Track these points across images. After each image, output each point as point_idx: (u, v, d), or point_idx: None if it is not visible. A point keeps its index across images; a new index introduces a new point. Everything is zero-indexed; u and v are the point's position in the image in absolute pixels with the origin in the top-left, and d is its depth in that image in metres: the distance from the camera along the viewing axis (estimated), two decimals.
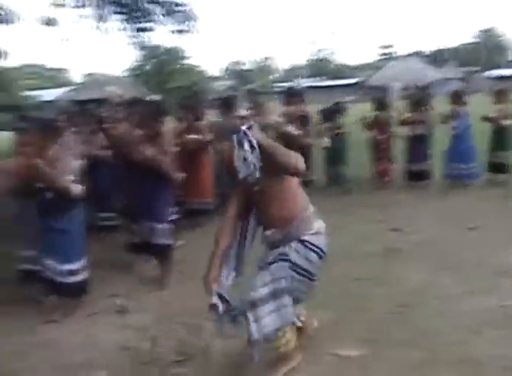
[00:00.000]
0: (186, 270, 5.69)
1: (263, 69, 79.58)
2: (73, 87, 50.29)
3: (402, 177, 9.50)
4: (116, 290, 5.44)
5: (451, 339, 3.93)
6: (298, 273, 3.43)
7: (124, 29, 15.58)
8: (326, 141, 9.23)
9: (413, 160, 9.24)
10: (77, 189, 4.86)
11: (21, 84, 50.58)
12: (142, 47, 16.92)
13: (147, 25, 15.60)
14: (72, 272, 4.87)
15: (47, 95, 46.12)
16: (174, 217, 6.21)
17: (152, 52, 45.87)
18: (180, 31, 15.87)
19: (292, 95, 9.31)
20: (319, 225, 3.54)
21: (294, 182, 3.49)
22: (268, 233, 3.52)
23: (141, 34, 16.03)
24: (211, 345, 4.02)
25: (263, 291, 3.35)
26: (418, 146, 9.18)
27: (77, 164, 4.96)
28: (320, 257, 3.49)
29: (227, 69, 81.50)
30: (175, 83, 47.98)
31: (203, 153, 7.62)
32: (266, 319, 3.33)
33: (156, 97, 43.52)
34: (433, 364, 3.63)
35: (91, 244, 5.31)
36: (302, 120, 8.89)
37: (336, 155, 9.40)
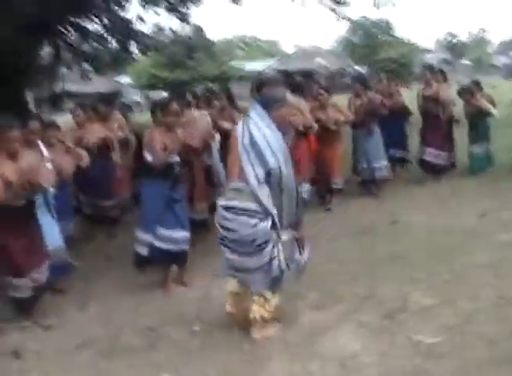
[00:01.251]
0: None
1: (478, 42, 74.71)
2: (279, 58, 50.94)
3: None
4: None
5: None
6: None
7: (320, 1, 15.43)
8: None
9: None
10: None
11: (230, 56, 52.38)
12: (345, 19, 16.03)
13: None
14: (175, 241, 5.15)
15: (255, 65, 47.18)
16: None
17: (359, 25, 45.23)
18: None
19: None
20: None
21: None
22: None
23: (337, 7, 15.64)
24: None
25: None
26: None
27: None
28: None
29: (439, 41, 77.48)
30: (383, 55, 46.94)
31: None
32: None
33: (362, 69, 43.00)
34: None
35: None
36: None
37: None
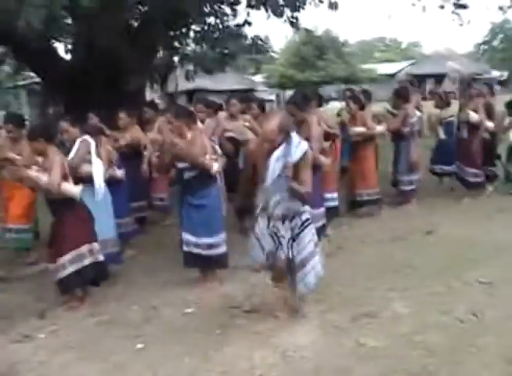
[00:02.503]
0: None
1: None
2: (413, 61, 49.88)
3: None
4: None
5: None
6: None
7: (442, 7, 14.96)
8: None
9: None
10: (215, 167, 5.25)
11: (366, 58, 52.11)
12: (467, 24, 15.50)
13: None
14: (210, 246, 5.27)
15: (387, 68, 46.70)
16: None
17: (500, 28, 43.10)
18: None
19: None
20: None
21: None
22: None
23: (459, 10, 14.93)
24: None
25: (309, 250, 4.23)
26: None
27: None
28: None
29: None
30: None
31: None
32: (310, 277, 4.25)
33: (499, 73, 40.95)
34: None
35: None
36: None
37: None
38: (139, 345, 4.24)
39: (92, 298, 5.25)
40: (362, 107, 7.61)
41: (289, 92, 36.15)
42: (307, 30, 16.71)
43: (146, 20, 12.41)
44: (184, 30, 13.54)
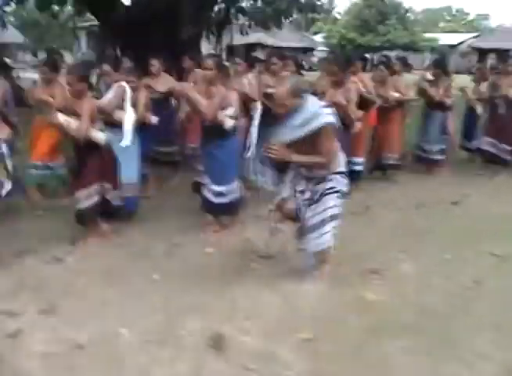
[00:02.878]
0: None
1: None
2: (476, 33, 48.37)
3: None
4: None
5: None
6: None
7: None
8: None
9: None
10: (229, 123, 5.39)
11: (431, 27, 50.82)
12: None
13: None
14: (220, 194, 5.57)
15: (450, 39, 45.55)
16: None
17: None
18: None
19: None
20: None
21: None
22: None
23: None
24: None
25: (321, 217, 4.27)
26: None
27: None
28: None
29: None
30: None
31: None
32: (314, 242, 4.32)
33: None
34: None
35: None
36: None
37: None
38: (156, 277, 4.58)
39: (122, 230, 5.62)
40: (393, 73, 7.69)
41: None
42: None
43: None
44: None
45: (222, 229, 5.78)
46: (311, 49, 44.87)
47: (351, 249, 5.12)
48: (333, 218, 4.28)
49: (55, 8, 14.33)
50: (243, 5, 14.46)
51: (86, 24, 27.13)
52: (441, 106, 7.98)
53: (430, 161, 8.29)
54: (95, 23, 16.13)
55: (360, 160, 7.20)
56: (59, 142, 6.53)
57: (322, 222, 4.26)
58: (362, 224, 5.98)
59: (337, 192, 4.27)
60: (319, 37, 48.32)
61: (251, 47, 31.30)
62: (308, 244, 4.38)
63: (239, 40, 24.82)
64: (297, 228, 4.57)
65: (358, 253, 5.09)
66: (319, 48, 45.79)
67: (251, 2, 14.44)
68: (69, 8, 17.22)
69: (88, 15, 16.44)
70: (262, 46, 33.78)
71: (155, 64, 7.23)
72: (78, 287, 4.39)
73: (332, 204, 4.26)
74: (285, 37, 36.31)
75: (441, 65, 8.17)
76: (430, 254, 5.14)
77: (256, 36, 31.63)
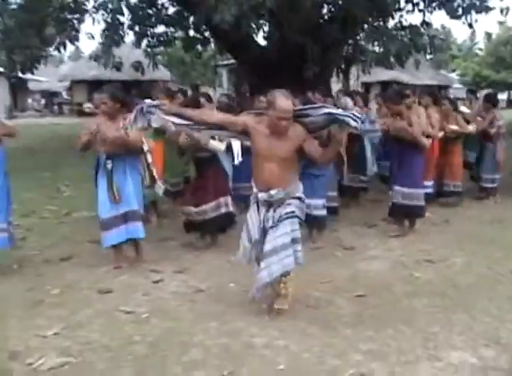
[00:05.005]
0: None
1: None
2: None
3: None
4: None
5: None
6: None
7: None
8: None
9: None
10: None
11: None
12: None
13: None
14: (322, 207, 6.54)
15: None
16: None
17: None
18: None
19: None
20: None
21: None
22: (273, 192, 4.32)
23: None
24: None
25: (281, 241, 4.26)
26: None
27: None
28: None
29: None
30: None
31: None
32: (275, 267, 4.27)
33: None
34: None
35: None
36: None
37: None
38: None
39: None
40: (455, 108, 8.67)
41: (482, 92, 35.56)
42: (487, 34, 17.07)
43: (328, 19, 14.19)
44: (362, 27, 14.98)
45: None
46: (446, 87, 44.95)
47: (416, 246, 6.39)
48: (294, 241, 4.37)
49: (199, 48, 16.16)
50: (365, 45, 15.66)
51: (227, 62, 29.54)
52: (489, 137, 8.93)
53: (486, 189, 9.17)
54: (234, 61, 18.08)
55: (429, 183, 8.17)
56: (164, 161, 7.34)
57: (283, 246, 4.28)
58: (435, 232, 7.12)
59: (296, 217, 4.38)
60: (454, 75, 48.31)
61: (386, 84, 32.23)
62: (268, 268, 4.29)
63: (376, 77, 25.93)
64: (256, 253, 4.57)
65: (421, 249, 6.31)
66: (455, 85, 45.76)
67: (370, 45, 15.59)
68: (211, 47, 19.16)
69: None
70: (397, 83, 34.55)
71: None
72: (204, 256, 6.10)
73: (292, 228, 4.33)
74: (420, 74, 36.86)
75: (491, 99, 9.14)
76: (485, 256, 6.10)
77: (391, 73, 32.51)
